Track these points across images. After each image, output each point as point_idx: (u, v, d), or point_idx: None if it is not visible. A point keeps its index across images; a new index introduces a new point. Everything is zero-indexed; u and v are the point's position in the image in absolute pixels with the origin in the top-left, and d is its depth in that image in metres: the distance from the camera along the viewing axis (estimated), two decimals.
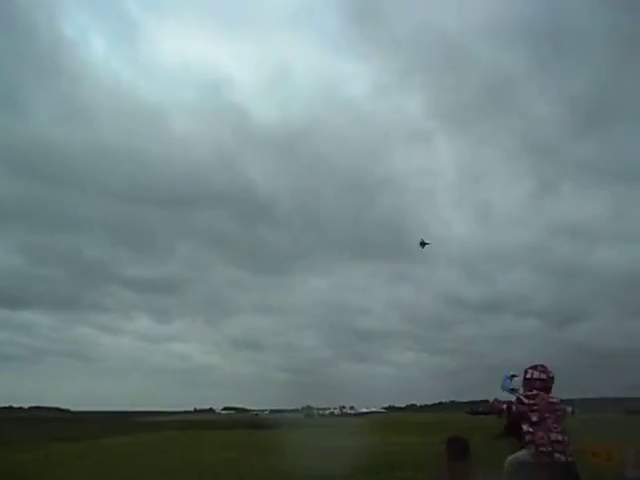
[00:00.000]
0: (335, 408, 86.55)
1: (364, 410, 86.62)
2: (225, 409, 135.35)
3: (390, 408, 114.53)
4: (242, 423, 56.00)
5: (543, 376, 3.49)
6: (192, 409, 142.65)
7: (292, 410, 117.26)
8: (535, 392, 3.44)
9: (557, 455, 3.13)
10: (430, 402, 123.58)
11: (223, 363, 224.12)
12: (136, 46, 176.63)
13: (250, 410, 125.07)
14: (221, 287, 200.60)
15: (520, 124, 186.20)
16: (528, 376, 3.53)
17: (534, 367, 3.54)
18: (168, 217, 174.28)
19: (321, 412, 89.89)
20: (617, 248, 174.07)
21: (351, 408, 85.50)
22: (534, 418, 3.29)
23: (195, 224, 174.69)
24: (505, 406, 3.43)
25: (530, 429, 3.28)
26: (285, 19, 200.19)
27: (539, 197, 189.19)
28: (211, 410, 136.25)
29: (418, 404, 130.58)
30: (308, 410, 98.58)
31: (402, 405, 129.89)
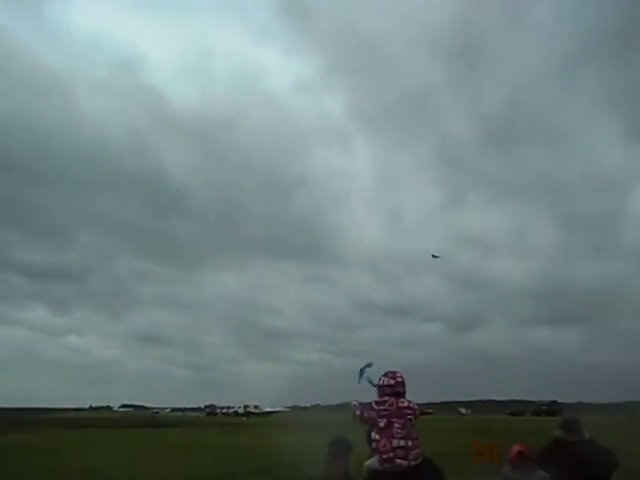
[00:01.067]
0: (239, 407, 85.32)
1: (269, 409, 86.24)
2: (123, 406, 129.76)
3: (295, 407, 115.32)
4: (139, 421, 53.81)
5: (391, 382, 3.54)
6: (87, 406, 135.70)
7: (194, 408, 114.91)
8: (385, 398, 3.49)
9: (398, 461, 3.19)
10: (334, 402, 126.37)
11: (124, 358, 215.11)
12: (42, 12, 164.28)
13: (150, 408, 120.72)
14: (125, 278, 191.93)
15: (434, 134, 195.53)
16: (380, 383, 3.64)
17: (385, 374, 3.64)
18: (69, 199, 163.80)
19: (224, 411, 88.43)
20: (512, 261, 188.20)
21: (255, 407, 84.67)
22: (381, 424, 3.36)
23: (99, 209, 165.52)
24: (359, 412, 3.52)
25: (377, 436, 3.36)
26: (209, 3, 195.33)
27: (447, 207, 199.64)
28: (108, 407, 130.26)
29: (323, 404, 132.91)
30: (211, 409, 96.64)
31: (307, 405, 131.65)
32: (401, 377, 3.60)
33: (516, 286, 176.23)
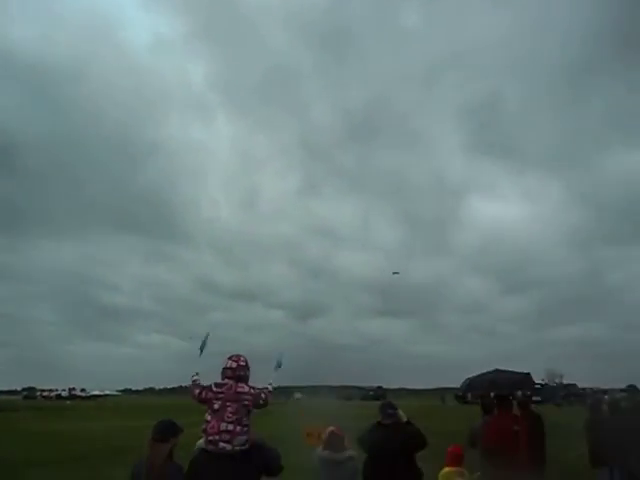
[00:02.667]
0: (63, 390, 78.59)
1: (97, 392, 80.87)
2: None
3: (126, 391, 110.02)
4: None
5: (233, 365, 3.55)
6: None
7: (9, 391, 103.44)
8: (226, 381, 3.49)
9: (222, 444, 3.20)
10: (170, 386, 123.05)
11: None
12: None
13: None
14: None
15: (297, 120, 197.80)
16: (223, 365, 3.61)
17: (230, 357, 3.63)
18: None
19: (45, 394, 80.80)
20: (356, 254, 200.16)
21: (82, 390, 78.74)
22: (215, 406, 3.36)
23: None
24: (197, 391, 3.51)
25: (208, 417, 3.37)
26: None
27: (302, 195, 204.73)
28: None
29: (157, 387, 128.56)
30: (29, 392, 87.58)
31: (140, 388, 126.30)
32: (244, 361, 3.57)
33: (357, 278, 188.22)
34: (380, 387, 73.12)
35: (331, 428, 4.55)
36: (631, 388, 8.45)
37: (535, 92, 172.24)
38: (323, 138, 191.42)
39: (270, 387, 3.77)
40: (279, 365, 4.06)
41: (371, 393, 62.63)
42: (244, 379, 3.51)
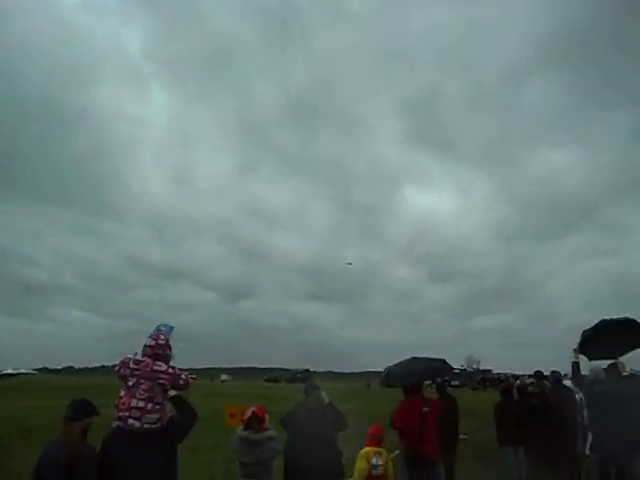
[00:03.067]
0: None
1: (10, 371, 76.52)
2: None
3: (43, 370, 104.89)
4: None
5: (152, 343, 3.49)
6: None
7: None
8: (144, 358, 3.43)
9: (131, 421, 3.15)
10: (91, 365, 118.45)
11: None
12: None
13: None
14: None
15: (237, 97, 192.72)
16: (144, 343, 3.53)
17: (150, 335, 3.58)
18: None
19: None
20: (291, 237, 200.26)
21: None
22: (130, 383, 3.31)
23: None
24: (118, 367, 3.45)
25: (122, 393, 3.33)
26: None
27: (239, 173, 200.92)
28: None
29: (77, 367, 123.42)
30: None
31: (58, 367, 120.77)
32: (164, 340, 3.51)
33: (291, 261, 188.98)
34: (307, 370, 74.08)
35: (251, 409, 4.59)
36: (538, 374, 9.15)
37: (472, 88, 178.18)
38: (263, 117, 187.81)
39: (187, 374, 3.71)
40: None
41: (298, 375, 63.36)
42: (163, 358, 3.44)
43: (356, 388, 50.59)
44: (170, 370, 3.39)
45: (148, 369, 3.30)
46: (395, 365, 6.84)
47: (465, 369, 59.81)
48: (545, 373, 10.75)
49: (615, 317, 7.18)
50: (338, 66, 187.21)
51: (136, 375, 3.28)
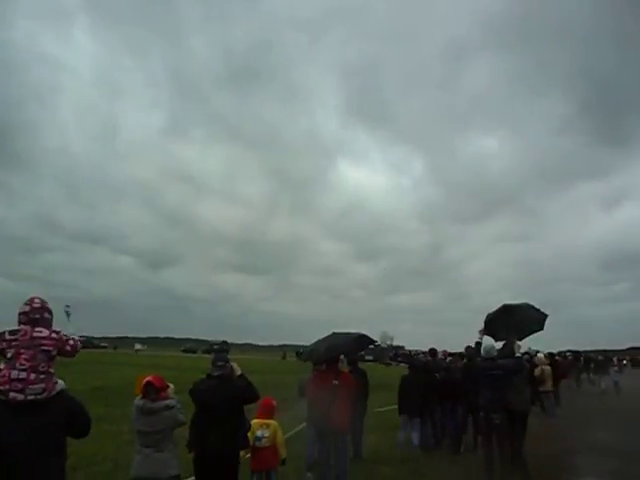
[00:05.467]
0: None
1: None
2: None
3: None
4: None
5: (26, 308, 3.19)
6: None
7: None
8: (21, 327, 3.16)
9: (12, 394, 2.92)
10: None
11: None
12: None
13: None
14: None
15: (172, 49, 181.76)
16: (18, 311, 3.27)
17: (25, 302, 3.28)
18: None
19: None
20: (218, 206, 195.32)
21: None
22: (9, 355, 3.06)
23: None
24: None
25: (1, 366, 3.07)
26: None
27: (167, 134, 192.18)
28: None
29: None
30: None
31: None
32: (39, 303, 3.23)
33: (216, 231, 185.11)
34: (225, 342, 73.80)
35: (148, 377, 4.50)
36: (432, 351, 9.87)
37: (415, 62, 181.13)
38: (198, 75, 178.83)
39: (77, 336, 3.52)
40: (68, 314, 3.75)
41: (215, 347, 62.88)
42: (43, 322, 3.19)
43: (272, 360, 51.22)
44: (53, 335, 3.16)
45: (27, 337, 3.06)
46: (315, 343, 6.99)
47: (379, 345, 62.21)
48: (451, 351, 11.47)
49: (516, 302, 7.76)
50: (283, 28, 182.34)
51: (14, 346, 3.03)
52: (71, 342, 3.27)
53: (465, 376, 8.77)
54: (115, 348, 66.09)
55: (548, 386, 13.97)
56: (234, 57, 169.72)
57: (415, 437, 8.79)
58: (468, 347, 9.23)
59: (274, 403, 5.62)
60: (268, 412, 5.42)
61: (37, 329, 3.11)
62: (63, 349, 3.20)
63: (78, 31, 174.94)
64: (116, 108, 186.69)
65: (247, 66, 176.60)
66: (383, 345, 64.78)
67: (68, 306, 3.74)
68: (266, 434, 5.24)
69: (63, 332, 3.29)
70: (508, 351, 7.36)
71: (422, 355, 16.25)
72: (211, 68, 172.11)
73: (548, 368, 14.14)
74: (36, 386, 2.97)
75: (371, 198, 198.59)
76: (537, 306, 7.82)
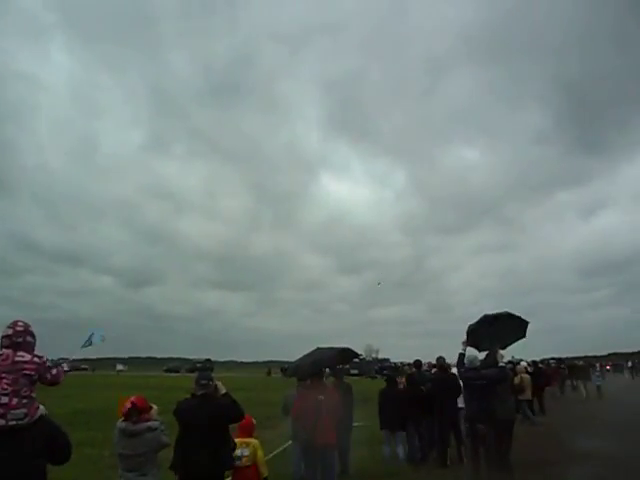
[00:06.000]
0: None
1: None
2: None
3: None
4: None
5: (9, 332, 3.17)
6: None
7: None
8: (2, 351, 3.13)
9: None
10: None
11: None
12: None
13: None
14: None
15: (152, 66, 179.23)
16: (1, 334, 3.23)
17: (8, 325, 3.27)
18: None
19: None
20: (199, 222, 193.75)
21: None
22: None
23: None
24: None
25: None
26: None
27: (147, 151, 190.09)
28: None
29: None
30: None
31: None
32: (22, 326, 3.21)
33: (197, 248, 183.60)
34: (209, 359, 73.01)
35: (131, 399, 4.42)
36: (417, 363, 9.76)
37: (396, 76, 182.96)
38: (178, 90, 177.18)
39: (65, 365, 3.46)
40: (89, 343, 3.73)
41: (198, 365, 62.14)
42: (25, 346, 3.16)
43: (257, 377, 50.72)
44: (35, 359, 3.12)
45: (8, 361, 3.02)
46: (301, 359, 6.96)
47: (364, 358, 62.02)
48: (432, 362, 11.51)
49: (496, 312, 7.85)
50: (263, 42, 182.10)
51: None
52: (54, 371, 3.22)
53: (436, 387, 8.82)
54: (94, 370, 64.78)
55: (527, 395, 14.08)
56: (214, 72, 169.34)
57: (400, 451, 8.76)
58: (439, 357, 9.27)
59: (253, 421, 5.52)
60: (248, 431, 5.32)
61: (19, 353, 3.07)
62: (44, 376, 3.14)
63: (55, 47, 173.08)
64: (94, 125, 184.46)
65: (227, 80, 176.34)
66: (368, 358, 64.60)
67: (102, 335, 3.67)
68: (246, 453, 5.12)
69: (48, 357, 3.25)
70: (491, 361, 7.43)
71: (407, 367, 16.30)
72: (191, 83, 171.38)
73: (527, 377, 14.26)
74: (18, 411, 2.92)
75: (353, 211, 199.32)
76: (517, 314, 7.91)
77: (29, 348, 3.17)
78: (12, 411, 2.90)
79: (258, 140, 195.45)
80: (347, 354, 7.22)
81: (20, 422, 2.91)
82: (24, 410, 2.95)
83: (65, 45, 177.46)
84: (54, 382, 3.22)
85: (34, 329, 3.27)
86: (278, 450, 9.02)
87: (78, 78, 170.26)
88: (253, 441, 5.29)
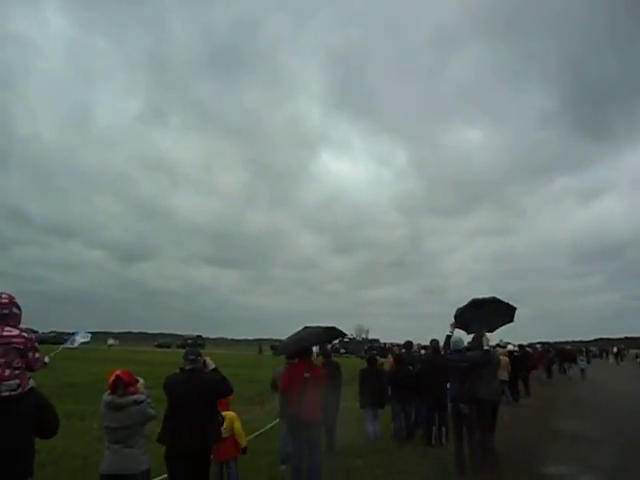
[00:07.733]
0: None
1: None
2: None
3: None
4: None
5: None
6: None
7: None
8: None
9: None
10: None
11: None
12: None
13: None
14: None
15: (150, 32, 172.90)
16: None
17: None
18: None
19: None
20: (194, 197, 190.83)
21: None
22: None
23: None
24: None
25: None
26: None
27: (143, 121, 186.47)
28: None
29: None
30: None
31: None
32: (7, 298, 3.17)
33: (192, 223, 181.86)
34: (200, 336, 73.44)
35: (117, 372, 4.44)
36: (407, 344, 10.03)
37: (401, 53, 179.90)
38: (177, 59, 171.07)
39: (47, 359, 3.44)
40: (72, 341, 3.70)
41: (189, 341, 62.51)
42: (12, 317, 3.14)
43: (248, 354, 51.11)
44: (24, 334, 3.12)
45: None
46: (290, 336, 7.01)
47: (354, 338, 62.61)
48: (425, 344, 11.62)
49: (484, 296, 7.92)
50: (266, 6, 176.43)
51: None
52: (37, 354, 3.21)
53: (425, 368, 8.97)
54: (110, 345, 64.78)
55: (503, 375, 14.48)
56: (215, 40, 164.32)
57: (371, 430, 8.94)
58: (433, 340, 9.36)
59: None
60: (223, 404, 5.41)
61: (7, 328, 3.06)
62: (26, 353, 3.14)
63: (50, 10, 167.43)
64: (89, 93, 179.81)
65: (228, 48, 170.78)
66: (358, 338, 65.25)
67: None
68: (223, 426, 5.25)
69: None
70: (477, 344, 7.52)
71: (396, 348, 16.46)
72: (190, 50, 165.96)
73: (505, 359, 14.59)
74: (11, 382, 2.93)
75: (351, 190, 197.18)
76: (505, 300, 7.99)
77: (15, 319, 3.17)
78: (5, 382, 2.92)
79: (258, 113, 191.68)
80: (333, 333, 7.27)
81: (13, 393, 2.93)
82: (17, 381, 2.97)
83: (60, 7, 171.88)
84: (31, 365, 3.21)
85: (22, 302, 3.25)
86: (267, 427, 9.13)
87: (73, 42, 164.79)
88: (229, 413, 5.45)
